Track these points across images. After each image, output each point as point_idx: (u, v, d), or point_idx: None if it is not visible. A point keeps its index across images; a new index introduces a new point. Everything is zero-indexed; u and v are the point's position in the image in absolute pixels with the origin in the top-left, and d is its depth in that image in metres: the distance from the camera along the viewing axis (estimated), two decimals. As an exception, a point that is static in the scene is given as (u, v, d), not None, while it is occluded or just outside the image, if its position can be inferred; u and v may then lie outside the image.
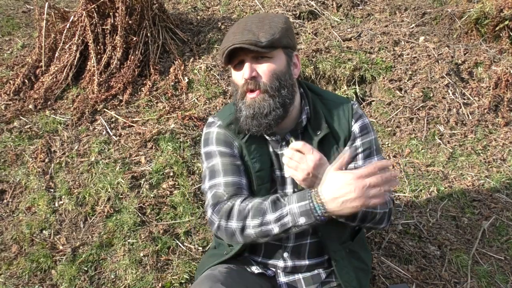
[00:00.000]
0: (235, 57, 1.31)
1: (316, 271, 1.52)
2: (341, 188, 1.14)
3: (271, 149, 1.45)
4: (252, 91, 1.32)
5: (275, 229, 1.23)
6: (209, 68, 3.27)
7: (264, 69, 1.30)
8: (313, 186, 1.25)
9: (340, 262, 1.45)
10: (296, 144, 1.28)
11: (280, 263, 1.50)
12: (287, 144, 1.43)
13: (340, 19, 3.94)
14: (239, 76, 1.34)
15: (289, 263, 1.49)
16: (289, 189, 1.46)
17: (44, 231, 2.31)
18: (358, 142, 1.43)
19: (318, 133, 1.40)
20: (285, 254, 1.49)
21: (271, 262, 1.52)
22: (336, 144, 1.42)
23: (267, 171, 1.43)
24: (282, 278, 1.52)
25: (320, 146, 1.40)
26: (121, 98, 3.04)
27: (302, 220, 1.19)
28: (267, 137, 1.44)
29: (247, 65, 1.30)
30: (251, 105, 1.32)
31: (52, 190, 2.48)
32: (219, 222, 1.31)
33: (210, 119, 1.52)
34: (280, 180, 1.45)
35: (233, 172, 1.39)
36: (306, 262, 1.50)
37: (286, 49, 1.35)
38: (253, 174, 1.41)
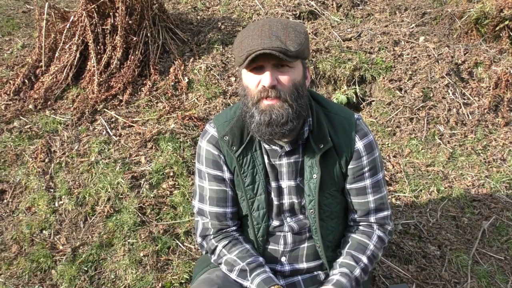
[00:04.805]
0: (254, 61, 1.23)
1: (315, 273, 1.52)
2: None
3: (266, 160, 1.42)
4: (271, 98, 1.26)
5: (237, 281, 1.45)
6: (209, 68, 3.27)
7: (285, 78, 1.25)
8: None
9: None
10: None
11: (279, 268, 1.49)
12: (287, 155, 1.41)
13: (340, 19, 3.94)
14: (255, 81, 1.26)
15: (288, 267, 1.49)
16: (286, 199, 1.45)
17: (44, 231, 2.31)
18: (364, 161, 1.42)
19: (321, 147, 1.37)
20: (283, 259, 1.49)
21: (269, 266, 1.51)
22: (338, 159, 1.41)
23: (261, 183, 1.42)
24: (281, 281, 1.51)
25: (323, 160, 1.39)
26: (121, 98, 3.04)
27: None
28: (266, 146, 1.42)
29: (268, 74, 1.23)
30: (267, 111, 1.25)
31: (52, 190, 2.48)
32: (206, 250, 1.53)
33: (207, 126, 1.49)
34: (276, 191, 1.44)
35: (218, 201, 1.46)
36: (305, 265, 1.50)
37: (304, 60, 1.32)
38: (243, 188, 1.42)
